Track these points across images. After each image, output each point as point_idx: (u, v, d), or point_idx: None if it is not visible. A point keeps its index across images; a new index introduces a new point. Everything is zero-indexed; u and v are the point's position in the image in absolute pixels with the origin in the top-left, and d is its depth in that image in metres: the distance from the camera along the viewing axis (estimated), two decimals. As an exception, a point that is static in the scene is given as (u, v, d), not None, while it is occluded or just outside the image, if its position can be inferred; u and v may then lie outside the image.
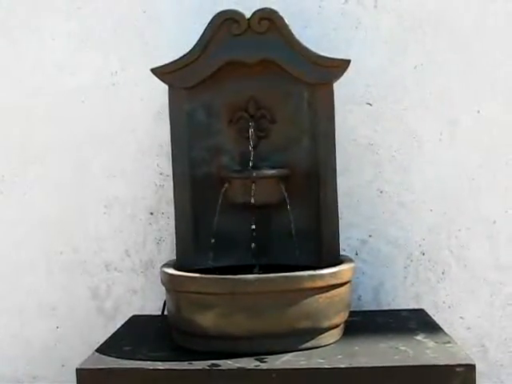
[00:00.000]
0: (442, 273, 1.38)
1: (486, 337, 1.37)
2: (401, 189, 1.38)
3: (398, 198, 1.38)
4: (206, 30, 1.19)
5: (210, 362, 1.02)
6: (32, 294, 1.43)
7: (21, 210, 1.43)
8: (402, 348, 1.07)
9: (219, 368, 1.01)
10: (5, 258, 1.44)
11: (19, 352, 1.44)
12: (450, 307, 1.38)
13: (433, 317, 1.27)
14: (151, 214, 1.41)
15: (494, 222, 1.37)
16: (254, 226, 1.21)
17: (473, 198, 1.37)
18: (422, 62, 1.36)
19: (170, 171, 1.24)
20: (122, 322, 1.30)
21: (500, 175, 1.37)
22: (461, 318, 1.38)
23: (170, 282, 1.13)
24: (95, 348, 1.11)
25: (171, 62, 1.19)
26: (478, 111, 1.36)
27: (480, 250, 1.37)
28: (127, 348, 1.11)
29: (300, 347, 1.08)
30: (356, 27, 1.37)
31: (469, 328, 1.37)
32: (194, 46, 1.19)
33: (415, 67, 1.36)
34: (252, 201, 1.19)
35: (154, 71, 1.20)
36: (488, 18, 1.35)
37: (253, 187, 1.18)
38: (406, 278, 1.38)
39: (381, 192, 1.38)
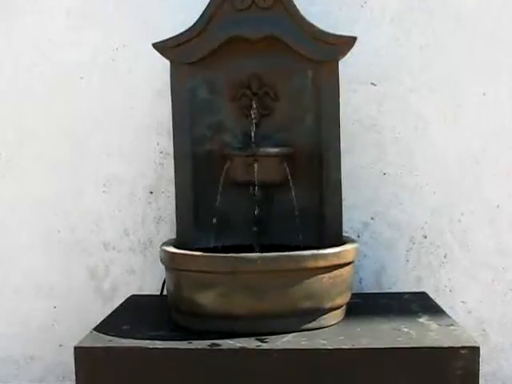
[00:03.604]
0: (444, 256, 1.37)
1: (486, 321, 1.37)
2: (404, 171, 1.36)
3: (400, 180, 1.36)
4: (209, 4, 1.16)
5: (210, 342, 1.01)
6: (29, 274, 1.41)
7: (18, 190, 1.41)
8: (405, 330, 1.06)
9: (219, 348, 0.99)
10: (2, 237, 1.42)
11: (16, 332, 1.42)
12: (451, 291, 1.37)
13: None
14: (151, 192, 1.39)
15: (498, 207, 1.36)
16: (255, 206, 1.19)
17: (476, 182, 1.36)
18: (427, 43, 1.34)
19: (170, 150, 1.22)
20: (120, 302, 1.28)
21: (504, 159, 1.35)
22: (462, 302, 1.37)
23: (170, 261, 1.11)
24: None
25: (173, 37, 1.17)
26: (484, 94, 1.34)
27: (483, 234, 1.36)
28: (126, 327, 1.10)
29: (302, 328, 1.06)
30: (362, 6, 1.34)
31: (470, 312, 1.37)
32: (197, 21, 1.17)
33: (421, 48, 1.35)
34: (254, 179, 1.17)
35: (156, 46, 1.17)
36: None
37: (255, 165, 1.17)
38: (407, 261, 1.37)
39: (384, 174, 1.36)
